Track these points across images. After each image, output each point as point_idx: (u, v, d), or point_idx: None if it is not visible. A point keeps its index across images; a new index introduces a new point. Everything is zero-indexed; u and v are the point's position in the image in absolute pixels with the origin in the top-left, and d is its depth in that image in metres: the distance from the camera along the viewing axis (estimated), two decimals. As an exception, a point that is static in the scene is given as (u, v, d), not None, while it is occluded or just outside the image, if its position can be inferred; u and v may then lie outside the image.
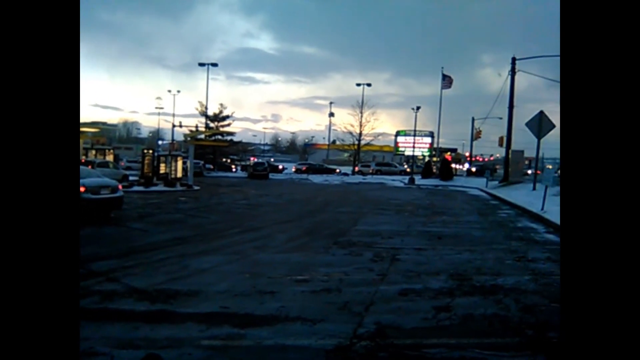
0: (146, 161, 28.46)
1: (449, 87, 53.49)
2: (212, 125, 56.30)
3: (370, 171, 57.06)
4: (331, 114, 72.55)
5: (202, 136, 44.61)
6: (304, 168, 57.96)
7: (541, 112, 21.31)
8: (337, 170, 56.85)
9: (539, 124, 21.11)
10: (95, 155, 35.05)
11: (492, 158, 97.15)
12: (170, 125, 65.15)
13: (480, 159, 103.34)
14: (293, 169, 60.14)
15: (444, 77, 52.54)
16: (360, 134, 60.35)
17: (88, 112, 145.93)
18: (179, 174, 29.02)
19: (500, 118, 45.31)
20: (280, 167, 60.50)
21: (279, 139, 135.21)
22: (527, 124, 21.54)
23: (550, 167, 39.17)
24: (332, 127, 70.17)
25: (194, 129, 53.41)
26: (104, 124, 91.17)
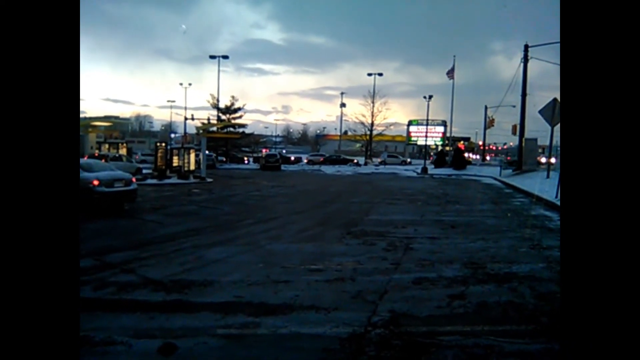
0: (159, 154, 28.59)
1: (452, 77, 53.40)
2: (223, 117, 56.39)
3: (380, 161, 56.72)
4: (342, 105, 72.29)
5: (214, 129, 44.66)
6: (321, 159, 57.41)
7: (555, 100, 20.98)
8: (355, 161, 56.19)
9: (553, 112, 20.80)
10: (109, 149, 35.28)
11: (505, 147, 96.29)
12: (182, 118, 65.52)
13: (494, 148, 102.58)
14: (305, 160, 59.93)
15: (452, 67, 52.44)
16: (372, 124, 60.17)
17: (99, 106, 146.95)
18: (192, 167, 29.18)
19: (514, 106, 44.59)
20: (293, 158, 60.39)
21: (291, 130, 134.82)
22: (540, 112, 21.28)
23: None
24: (344, 118, 70.03)
25: (205, 121, 53.46)
26: (117, 117, 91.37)
